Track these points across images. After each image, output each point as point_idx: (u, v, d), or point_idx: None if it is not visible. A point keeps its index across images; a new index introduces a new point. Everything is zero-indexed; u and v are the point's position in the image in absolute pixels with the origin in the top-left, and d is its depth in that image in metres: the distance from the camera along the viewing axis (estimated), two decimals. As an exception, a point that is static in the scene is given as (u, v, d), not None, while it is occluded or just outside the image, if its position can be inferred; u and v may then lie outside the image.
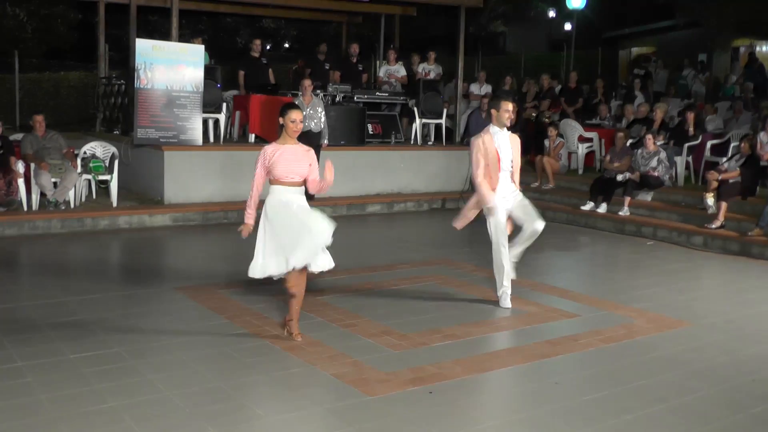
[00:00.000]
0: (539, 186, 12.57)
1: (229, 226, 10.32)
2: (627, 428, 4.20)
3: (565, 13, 27.29)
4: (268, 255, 5.26)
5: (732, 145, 11.59)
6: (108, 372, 4.74)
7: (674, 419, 4.34)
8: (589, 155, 13.67)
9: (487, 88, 15.37)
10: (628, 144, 11.76)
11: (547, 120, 14.12)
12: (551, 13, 30.81)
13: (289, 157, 5.25)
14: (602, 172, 12.00)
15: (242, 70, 13.20)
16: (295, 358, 5.11)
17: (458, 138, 14.16)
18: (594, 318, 6.35)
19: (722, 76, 19.10)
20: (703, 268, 8.86)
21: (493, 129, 6.36)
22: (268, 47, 29.59)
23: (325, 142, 11.09)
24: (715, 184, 10.11)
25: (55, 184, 9.87)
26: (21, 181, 9.69)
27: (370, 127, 13.00)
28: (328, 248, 5.31)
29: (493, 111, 6.38)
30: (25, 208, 9.73)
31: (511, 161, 6.39)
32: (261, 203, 5.35)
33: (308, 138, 9.49)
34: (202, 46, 11.38)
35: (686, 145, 12.02)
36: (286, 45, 35.01)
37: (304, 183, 5.37)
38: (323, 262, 5.31)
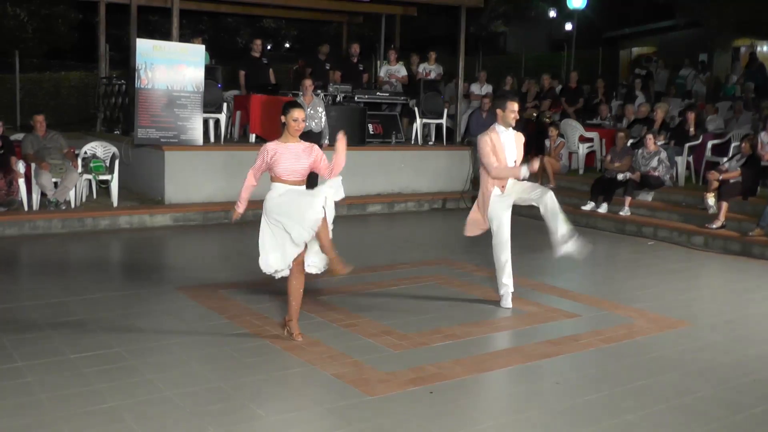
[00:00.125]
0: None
1: (229, 226, 10.32)
2: (627, 428, 4.20)
3: (565, 13, 27.30)
4: (270, 251, 5.28)
5: (733, 145, 11.58)
6: (108, 372, 4.74)
7: (674, 419, 4.34)
8: (590, 155, 13.66)
9: (487, 88, 15.36)
10: (628, 144, 11.75)
11: (547, 120, 14.11)
12: (552, 13, 30.82)
13: (291, 156, 5.25)
14: (603, 172, 12.00)
15: (243, 70, 13.19)
16: (296, 358, 5.11)
17: (459, 138, 14.16)
18: (594, 318, 6.35)
19: (723, 76, 19.09)
20: (704, 268, 8.86)
21: (498, 128, 6.36)
22: (268, 47, 29.60)
23: (326, 142, 11.08)
24: (715, 184, 10.10)
25: (55, 184, 9.87)
26: (22, 181, 9.69)
27: (370, 127, 12.99)
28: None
29: (498, 111, 6.36)
30: (26, 208, 9.73)
31: (515, 160, 6.40)
32: (260, 203, 5.36)
33: (309, 138, 9.41)
34: (203, 46, 11.38)
35: (687, 145, 12.01)
36: (287, 45, 35.03)
37: (305, 181, 5.38)
38: (318, 263, 5.33)
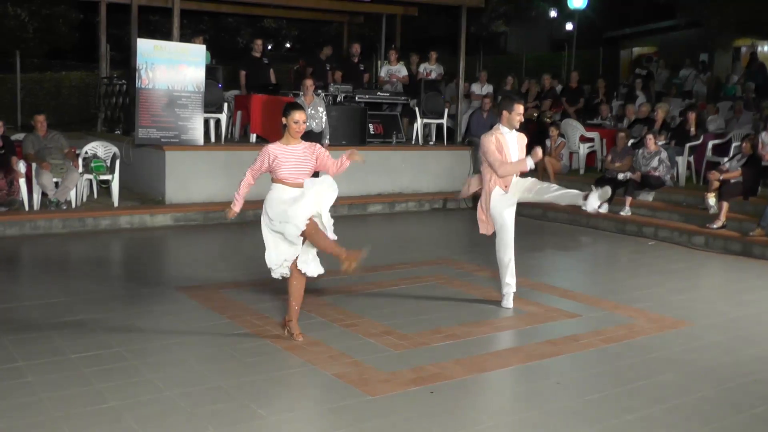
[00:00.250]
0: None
1: (230, 226, 10.33)
2: (628, 428, 4.20)
3: (566, 13, 27.29)
4: (272, 247, 5.29)
5: (733, 145, 11.58)
6: (109, 371, 4.74)
7: (675, 419, 4.34)
8: (591, 155, 13.66)
9: (488, 88, 15.36)
10: (629, 144, 11.75)
11: (548, 120, 14.12)
12: (552, 13, 30.80)
13: (293, 160, 5.24)
14: (603, 172, 12.00)
15: (243, 70, 13.20)
16: (296, 357, 5.11)
17: (459, 138, 14.15)
18: (595, 318, 6.35)
19: (724, 76, 19.08)
20: (705, 268, 8.85)
21: (503, 129, 6.35)
22: (269, 47, 29.63)
23: (327, 141, 11.09)
24: (716, 184, 10.10)
25: (56, 184, 9.88)
26: (22, 181, 9.70)
27: (371, 127, 13.00)
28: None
29: (504, 112, 6.33)
30: (27, 208, 9.73)
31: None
32: (260, 202, 5.36)
33: (309, 138, 9.43)
34: (204, 46, 11.38)
35: (687, 145, 12.01)
36: (288, 45, 35.04)
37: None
38: (314, 268, 5.34)
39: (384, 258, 8.67)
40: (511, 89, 15.60)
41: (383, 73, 14.54)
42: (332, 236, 5.26)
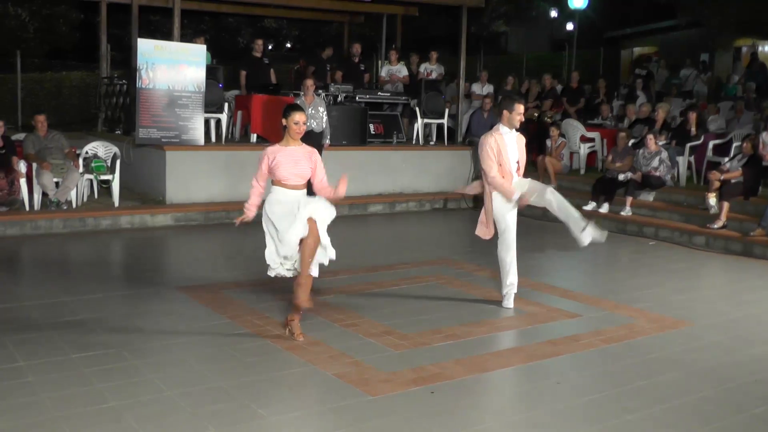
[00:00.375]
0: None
1: (230, 226, 10.31)
2: (628, 428, 4.20)
3: (567, 13, 27.28)
4: (272, 246, 5.30)
5: (734, 145, 11.57)
6: (109, 371, 4.75)
7: (675, 419, 4.34)
8: (591, 155, 13.66)
9: (488, 88, 15.36)
10: (630, 144, 11.75)
11: (549, 120, 14.12)
12: (553, 13, 30.80)
13: (292, 160, 5.26)
14: (604, 172, 12.00)
15: (244, 70, 13.20)
16: (297, 357, 5.11)
17: (460, 138, 14.15)
18: (595, 318, 6.35)
19: (724, 76, 19.08)
20: (705, 268, 8.85)
21: (503, 129, 6.35)
22: (269, 47, 29.65)
23: (327, 141, 11.09)
24: (717, 185, 10.10)
25: (57, 183, 9.88)
26: (23, 181, 9.70)
27: (371, 127, 13.00)
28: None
29: (505, 112, 6.32)
30: (27, 208, 9.74)
31: (518, 161, 6.40)
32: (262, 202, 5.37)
33: (310, 138, 9.49)
34: (204, 46, 11.38)
35: (688, 145, 12.00)
36: (288, 45, 35.05)
37: (307, 185, 5.38)
38: (314, 269, 5.32)
39: (384, 258, 8.68)
40: (511, 89, 15.60)
41: (384, 73, 14.55)
42: (331, 252, 5.27)
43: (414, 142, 13.62)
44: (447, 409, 4.35)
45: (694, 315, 6.51)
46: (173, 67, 10.69)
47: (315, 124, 10.85)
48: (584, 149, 13.46)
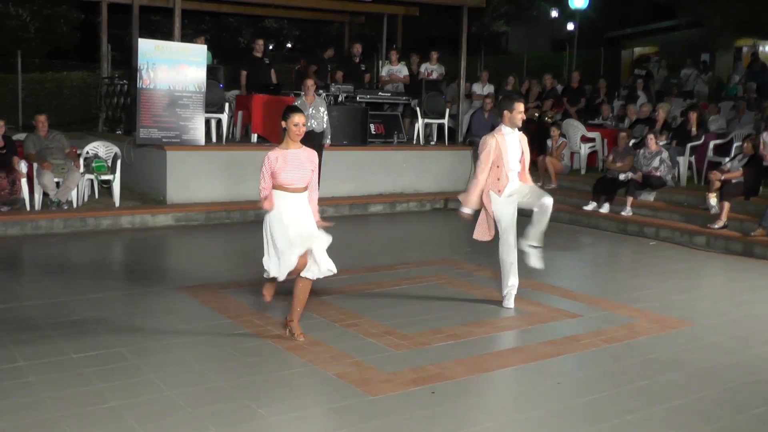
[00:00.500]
0: (542, 186, 12.51)
1: (231, 225, 10.35)
2: (628, 428, 4.20)
3: (567, 13, 27.28)
4: (272, 256, 5.30)
5: (735, 145, 11.57)
6: (110, 371, 4.75)
7: (676, 419, 4.33)
8: (592, 155, 13.66)
9: (489, 88, 15.36)
10: (630, 144, 11.75)
11: (549, 120, 14.11)
12: (554, 13, 30.81)
13: (294, 165, 5.25)
14: (605, 172, 12.00)
15: (244, 70, 13.20)
16: (297, 357, 5.11)
17: (461, 138, 14.15)
18: (596, 318, 6.35)
19: (725, 76, 19.07)
20: (706, 268, 8.85)
21: (505, 129, 6.35)
22: (270, 47, 29.65)
23: (328, 141, 11.08)
24: (717, 185, 10.09)
25: (57, 183, 9.88)
26: (24, 181, 9.70)
27: (372, 127, 13.00)
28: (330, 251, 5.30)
29: (505, 112, 6.31)
30: (28, 208, 9.74)
31: (519, 161, 6.40)
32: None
33: (311, 138, 9.49)
34: (205, 46, 11.38)
35: (689, 145, 12.00)
36: (289, 45, 35.06)
37: (307, 188, 5.37)
38: (318, 271, 5.31)
39: (385, 258, 8.68)
40: (512, 89, 15.60)
41: (384, 73, 14.55)
42: (330, 266, 5.27)
43: (414, 142, 13.63)
44: (447, 409, 4.35)
45: (695, 315, 6.51)
46: (174, 67, 10.69)
47: (316, 124, 10.85)
48: (585, 149, 13.46)
